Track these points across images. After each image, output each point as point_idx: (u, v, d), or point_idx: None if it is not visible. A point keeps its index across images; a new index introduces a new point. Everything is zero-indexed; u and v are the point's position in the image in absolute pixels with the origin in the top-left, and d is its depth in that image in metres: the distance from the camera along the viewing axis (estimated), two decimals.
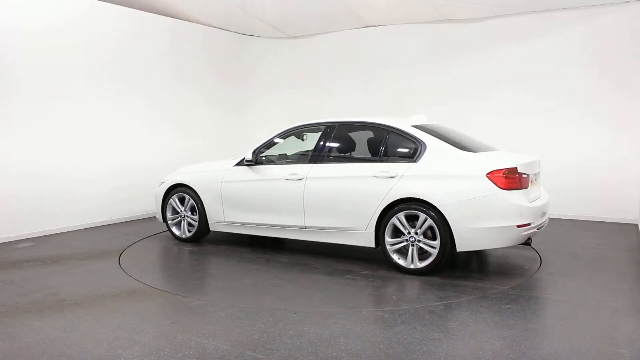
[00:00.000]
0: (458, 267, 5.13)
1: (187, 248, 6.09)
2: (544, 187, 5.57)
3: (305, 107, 9.43)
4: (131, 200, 7.76)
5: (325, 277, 4.77)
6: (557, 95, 7.78)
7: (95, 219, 7.24)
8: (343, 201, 5.13)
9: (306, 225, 5.37)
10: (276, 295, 4.26)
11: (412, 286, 4.53)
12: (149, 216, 7.97)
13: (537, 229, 4.91)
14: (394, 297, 4.26)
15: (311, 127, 5.77)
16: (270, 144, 5.87)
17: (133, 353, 3.10)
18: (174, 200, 6.29)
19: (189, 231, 6.22)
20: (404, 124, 5.23)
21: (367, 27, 9.11)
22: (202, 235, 6.22)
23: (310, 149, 5.69)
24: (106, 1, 7.34)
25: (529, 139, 8.03)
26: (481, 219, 4.57)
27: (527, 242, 4.82)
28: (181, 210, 6.26)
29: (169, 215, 6.36)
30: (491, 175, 4.58)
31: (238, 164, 5.91)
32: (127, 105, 7.68)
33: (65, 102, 6.83)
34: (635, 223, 7.28)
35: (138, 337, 3.35)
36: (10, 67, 6.25)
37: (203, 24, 8.99)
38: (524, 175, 4.72)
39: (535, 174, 5.07)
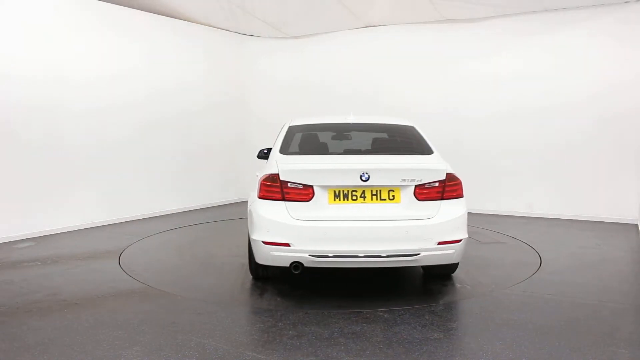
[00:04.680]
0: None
1: (187, 247, 6.09)
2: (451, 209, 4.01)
3: (305, 106, 9.43)
4: (131, 201, 7.76)
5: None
6: (556, 95, 7.78)
7: (95, 219, 7.24)
8: None
9: None
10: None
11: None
12: (148, 216, 7.97)
13: (351, 259, 3.85)
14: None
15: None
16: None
17: (133, 353, 3.10)
18: None
19: None
20: (287, 124, 4.91)
21: (367, 27, 9.11)
22: None
23: None
24: (106, 1, 7.34)
25: (529, 139, 8.04)
26: (250, 229, 4.13)
27: (292, 267, 3.89)
28: None
29: None
30: (261, 182, 4.06)
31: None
32: (126, 106, 7.67)
33: (66, 105, 6.83)
34: (635, 223, 7.28)
35: (138, 337, 3.35)
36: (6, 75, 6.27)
37: (203, 24, 8.99)
38: (292, 185, 3.89)
39: (384, 187, 3.92)
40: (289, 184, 3.90)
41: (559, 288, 4.39)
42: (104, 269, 5.07)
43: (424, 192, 3.94)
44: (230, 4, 8.29)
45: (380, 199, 3.91)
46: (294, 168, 3.99)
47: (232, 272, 4.96)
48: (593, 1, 7.32)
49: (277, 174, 3.93)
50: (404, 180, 3.91)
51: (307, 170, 3.98)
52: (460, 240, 3.97)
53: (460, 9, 7.88)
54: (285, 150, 4.47)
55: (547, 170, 7.91)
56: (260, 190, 4.00)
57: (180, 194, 8.56)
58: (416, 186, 3.93)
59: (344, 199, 3.89)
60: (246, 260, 4.73)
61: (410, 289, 4.41)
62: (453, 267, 4.55)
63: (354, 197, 3.90)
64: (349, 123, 4.99)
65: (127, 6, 7.62)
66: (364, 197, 3.90)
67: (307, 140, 4.86)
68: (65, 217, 6.87)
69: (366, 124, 5.10)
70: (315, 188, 3.88)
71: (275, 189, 3.93)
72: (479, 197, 8.48)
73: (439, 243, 3.88)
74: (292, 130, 4.79)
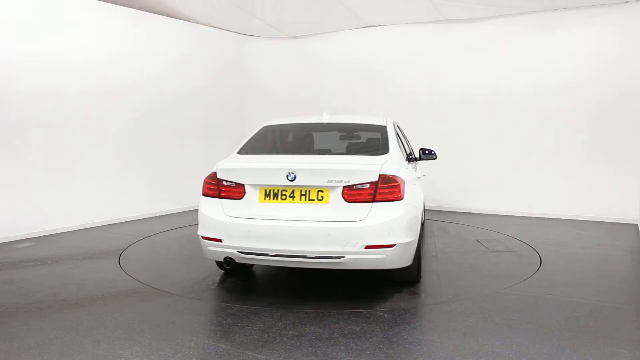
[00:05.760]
0: (454, 270, 5.13)
1: (186, 247, 6.08)
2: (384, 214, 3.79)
3: (305, 107, 9.44)
4: (131, 201, 7.76)
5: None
6: (556, 95, 7.78)
7: (95, 219, 7.24)
8: None
9: None
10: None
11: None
12: (149, 216, 7.97)
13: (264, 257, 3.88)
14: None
15: None
16: None
17: (133, 353, 3.10)
18: None
19: None
20: (263, 124, 5.06)
21: (367, 27, 9.12)
22: None
23: None
24: (106, 1, 7.34)
25: (529, 139, 8.04)
26: None
27: (224, 262, 4.08)
28: None
29: None
30: (204, 180, 4.24)
31: None
32: (126, 106, 7.68)
33: (64, 101, 6.83)
34: (635, 223, 7.28)
35: (138, 337, 3.35)
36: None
37: (203, 24, 8.99)
38: (226, 183, 4.04)
39: (313, 188, 3.88)
40: (223, 182, 4.05)
41: (559, 288, 4.39)
42: (104, 269, 5.07)
43: (352, 194, 3.81)
44: (230, 4, 8.28)
45: (309, 200, 3.88)
46: (228, 167, 4.10)
47: (232, 272, 4.96)
48: (593, 1, 7.32)
49: (215, 173, 4.12)
50: (330, 181, 3.83)
51: (238, 169, 4.07)
52: (393, 246, 3.77)
53: (460, 9, 7.89)
54: (243, 150, 4.58)
55: (548, 170, 7.91)
56: (203, 188, 4.19)
57: (180, 194, 8.56)
58: (344, 187, 3.82)
59: (273, 198, 3.94)
60: None
61: (409, 289, 4.41)
62: (413, 274, 4.35)
63: (284, 197, 3.92)
64: (321, 123, 5.01)
65: (126, 6, 7.62)
66: (293, 197, 3.90)
67: (274, 140, 4.90)
68: (65, 217, 6.87)
69: (337, 124, 5.12)
70: (246, 187, 3.98)
71: (213, 186, 4.10)
72: (479, 197, 8.50)
73: (367, 247, 3.74)
74: (264, 130, 4.92)
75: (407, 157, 5.04)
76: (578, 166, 7.70)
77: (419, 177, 4.89)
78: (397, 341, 3.28)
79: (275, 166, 3.98)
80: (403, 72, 8.90)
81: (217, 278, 4.82)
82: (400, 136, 5.10)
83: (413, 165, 5.28)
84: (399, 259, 3.89)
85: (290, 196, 3.90)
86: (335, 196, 3.82)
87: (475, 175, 8.47)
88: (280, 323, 3.59)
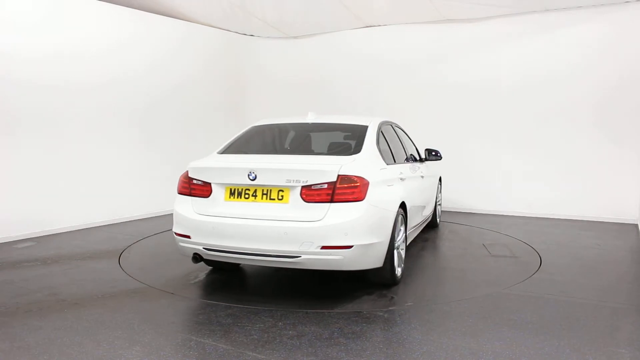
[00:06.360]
0: (454, 270, 5.13)
1: None
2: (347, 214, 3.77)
3: (305, 107, 9.43)
4: (131, 201, 7.76)
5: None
6: (556, 96, 7.78)
7: (95, 219, 7.24)
8: None
9: None
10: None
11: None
12: (148, 216, 7.97)
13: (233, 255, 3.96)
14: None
15: None
16: None
17: (133, 353, 3.10)
18: None
19: None
20: (252, 124, 5.17)
21: (367, 27, 9.12)
22: None
23: None
24: (106, 1, 7.33)
25: (529, 139, 8.04)
26: None
27: (192, 258, 4.21)
28: None
29: None
30: (179, 178, 4.40)
31: None
32: (125, 107, 7.68)
33: (64, 100, 6.83)
34: (635, 223, 7.29)
35: (138, 337, 3.35)
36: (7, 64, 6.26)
37: (203, 24, 8.99)
38: (195, 181, 4.16)
39: (274, 187, 3.92)
40: (193, 181, 4.19)
41: (559, 288, 4.39)
42: (104, 269, 5.07)
43: (310, 194, 3.81)
44: (230, 4, 8.29)
45: (270, 199, 3.94)
46: (198, 166, 4.23)
47: (231, 272, 4.96)
48: (593, 1, 7.32)
49: (187, 172, 4.28)
50: (288, 181, 3.85)
51: (206, 169, 4.18)
52: (351, 247, 3.74)
53: (460, 8, 7.89)
54: (224, 150, 4.69)
55: (548, 170, 7.91)
56: (177, 186, 4.35)
57: None
58: (302, 187, 3.83)
59: (237, 197, 4.03)
60: None
61: (409, 289, 4.41)
62: (385, 276, 4.26)
63: (247, 196, 4.00)
64: (306, 123, 5.06)
65: (126, 6, 7.62)
66: (255, 196, 3.98)
67: (255, 140, 4.95)
68: (65, 217, 6.87)
69: (321, 124, 5.15)
70: (213, 185, 4.10)
71: (186, 185, 4.26)
72: (479, 196, 8.50)
73: (323, 247, 3.72)
74: (249, 131, 5.01)
75: (394, 157, 4.91)
76: (578, 166, 7.70)
77: (402, 179, 4.74)
78: (397, 341, 3.28)
79: (238, 166, 4.07)
80: (403, 72, 8.90)
81: (217, 278, 4.82)
82: (387, 137, 4.97)
83: (411, 166, 5.24)
84: (359, 261, 3.87)
85: (252, 195, 3.98)
86: (294, 196, 3.85)
87: (475, 175, 8.47)
88: (280, 323, 3.59)
